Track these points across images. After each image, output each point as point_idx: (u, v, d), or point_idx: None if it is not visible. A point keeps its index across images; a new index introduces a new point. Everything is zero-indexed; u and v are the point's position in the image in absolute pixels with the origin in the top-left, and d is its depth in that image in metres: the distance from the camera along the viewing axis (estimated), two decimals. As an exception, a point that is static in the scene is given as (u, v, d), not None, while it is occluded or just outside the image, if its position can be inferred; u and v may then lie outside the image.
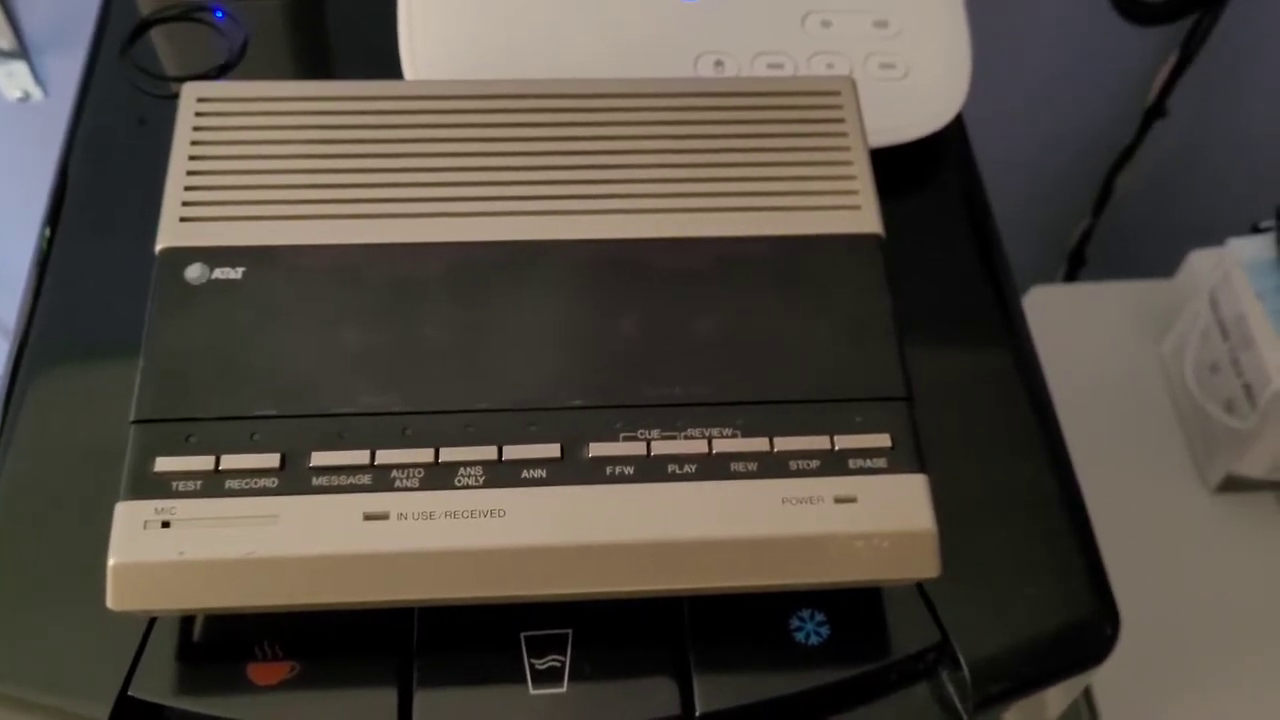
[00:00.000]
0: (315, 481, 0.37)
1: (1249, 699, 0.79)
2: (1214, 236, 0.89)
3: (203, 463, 0.37)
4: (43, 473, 0.43)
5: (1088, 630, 0.43)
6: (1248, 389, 0.79)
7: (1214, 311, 0.83)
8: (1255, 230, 0.82)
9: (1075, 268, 1.17)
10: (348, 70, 0.57)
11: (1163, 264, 0.99)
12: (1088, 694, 0.78)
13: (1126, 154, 1.04)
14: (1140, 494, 0.86)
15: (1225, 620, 0.81)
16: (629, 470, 0.38)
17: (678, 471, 0.38)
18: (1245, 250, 0.81)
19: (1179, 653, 0.80)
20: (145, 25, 0.56)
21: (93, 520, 0.38)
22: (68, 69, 0.84)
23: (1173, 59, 0.96)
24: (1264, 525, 0.84)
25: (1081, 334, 0.94)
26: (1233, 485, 0.84)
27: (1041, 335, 0.52)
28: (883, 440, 0.39)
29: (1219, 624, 0.81)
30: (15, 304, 0.49)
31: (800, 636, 0.41)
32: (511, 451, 0.37)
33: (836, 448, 0.38)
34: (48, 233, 0.50)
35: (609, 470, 0.37)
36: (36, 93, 0.86)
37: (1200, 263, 0.90)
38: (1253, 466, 0.82)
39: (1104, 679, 0.79)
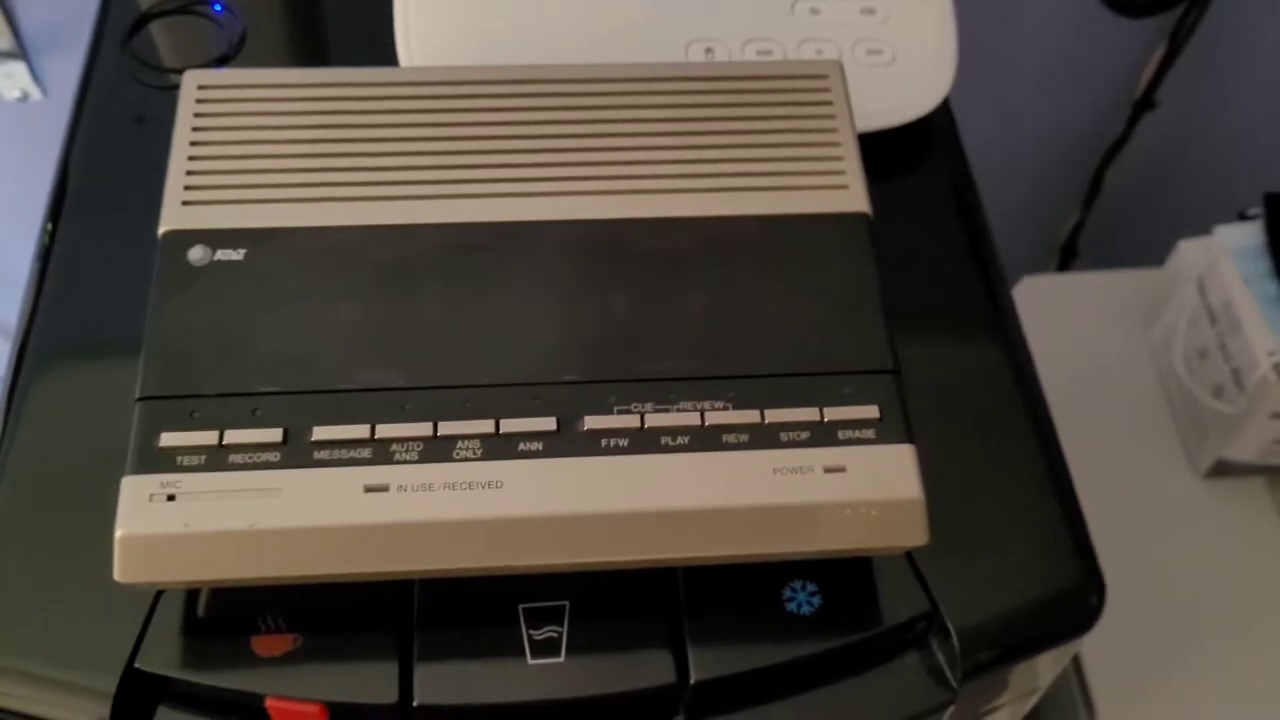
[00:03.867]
0: (317, 455, 0.37)
1: (1238, 682, 0.79)
2: (1203, 228, 0.90)
3: (207, 438, 0.37)
4: (48, 458, 0.44)
5: (1074, 599, 0.44)
6: (1236, 374, 0.80)
7: (1202, 298, 0.84)
8: (1243, 217, 0.83)
9: (1066, 260, 1.17)
10: (344, 61, 0.58)
11: (1153, 255, 1.00)
12: (1080, 674, 0.79)
13: (1116, 146, 1.05)
14: (1130, 480, 0.87)
15: (1215, 604, 0.82)
16: (623, 442, 0.38)
17: (671, 443, 0.38)
18: (1233, 237, 0.82)
19: (1170, 636, 0.80)
20: (145, 19, 0.57)
21: (98, 501, 0.39)
22: (66, 69, 0.85)
23: (1161, 51, 0.97)
24: (1253, 510, 0.85)
25: (1071, 323, 0.94)
26: (1222, 470, 0.85)
27: (1032, 324, 0.52)
28: (871, 412, 0.39)
29: (1209, 608, 0.82)
30: (14, 302, 0.50)
31: (793, 607, 0.42)
32: (508, 425, 0.38)
33: (826, 419, 0.39)
34: (49, 227, 0.51)
35: (603, 442, 0.38)
36: (35, 93, 0.87)
37: (1190, 252, 0.91)
38: (1242, 451, 0.83)
39: (1094, 660, 0.80)
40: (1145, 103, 1.01)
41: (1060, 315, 0.94)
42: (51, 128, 0.56)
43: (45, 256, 0.50)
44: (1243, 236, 0.82)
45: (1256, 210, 0.83)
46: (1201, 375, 0.85)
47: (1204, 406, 0.84)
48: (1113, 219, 1.13)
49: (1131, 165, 1.08)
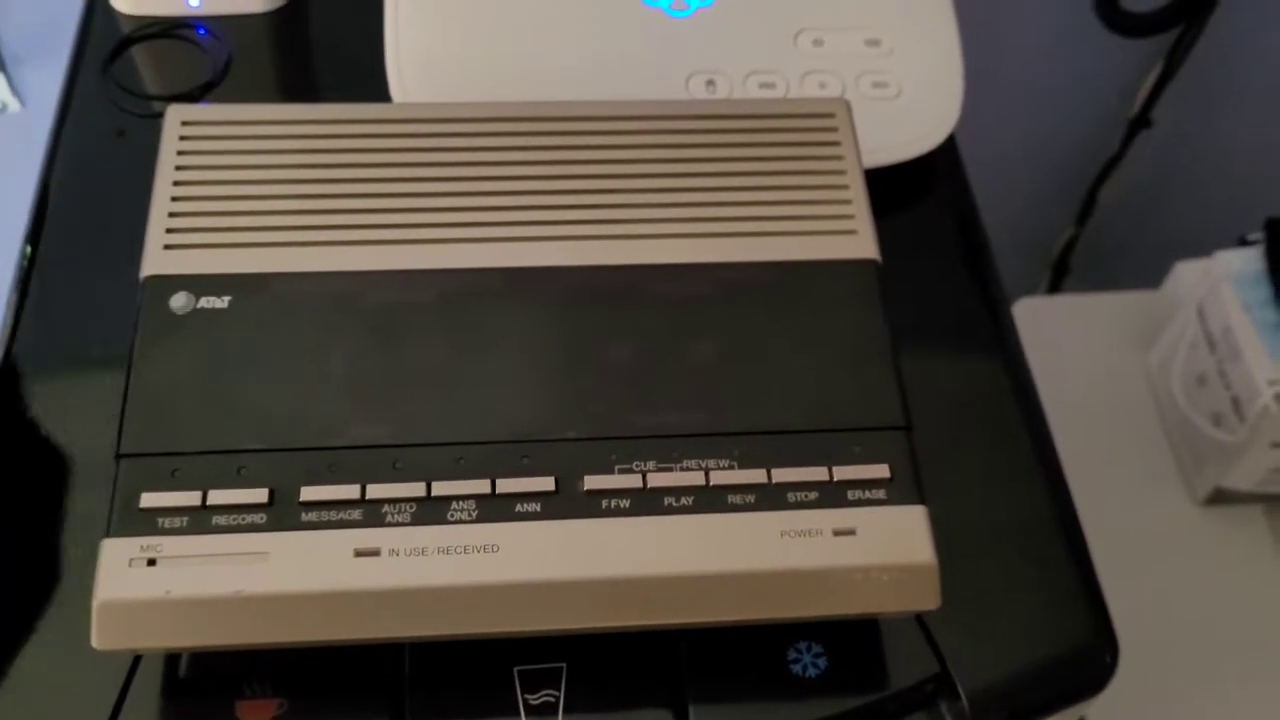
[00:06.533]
0: (305, 517, 0.36)
1: (1236, 713, 0.79)
2: (1197, 247, 0.89)
3: (189, 498, 0.36)
4: (23, 499, 0.42)
5: (1087, 658, 0.43)
6: (1235, 402, 0.79)
7: (1202, 324, 0.83)
8: (1243, 243, 0.82)
9: (1059, 277, 1.17)
10: (333, 90, 0.56)
11: (1146, 274, 0.99)
12: (1078, 710, 0.78)
13: (1111, 164, 1.04)
14: (1128, 506, 0.86)
15: (1213, 633, 0.81)
16: (624, 503, 0.37)
17: (674, 504, 0.37)
18: (1233, 262, 0.81)
19: (1167, 666, 0.79)
20: (127, 42, 0.55)
21: (74, 551, 0.38)
22: (45, 80, 0.83)
23: (1157, 70, 0.96)
24: (1252, 538, 0.85)
25: (1068, 346, 0.93)
26: (1220, 498, 0.84)
27: (1028, 347, 0.51)
28: (882, 471, 0.38)
29: (1207, 637, 0.81)
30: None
31: (798, 669, 0.40)
32: (505, 485, 0.37)
33: (835, 479, 0.38)
34: (28, 250, 0.49)
35: (604, 503, 0.37)
36: (13, 104, 0.85)
37: (1187, 274, 0.91)
38: (1241, 480, 0.82)
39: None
40: (1141, 121, 1.01)
41: (1057, 337, 0.93)
42: (30, 140, 0.55)
43: (24, 281, 0.48)
44: (1243, 261, 0.81)
45: (1256, 235, 0.82)
46: (1200, 402, 0.84)
47: (1202, 434, 0.83)
48: (1106, 237, 1.13)
49: (1126, 183, 1.07)
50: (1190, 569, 0.84)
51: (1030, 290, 1.16)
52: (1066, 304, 1.00)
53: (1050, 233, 1.14)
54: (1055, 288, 1.18)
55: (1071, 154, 1.06)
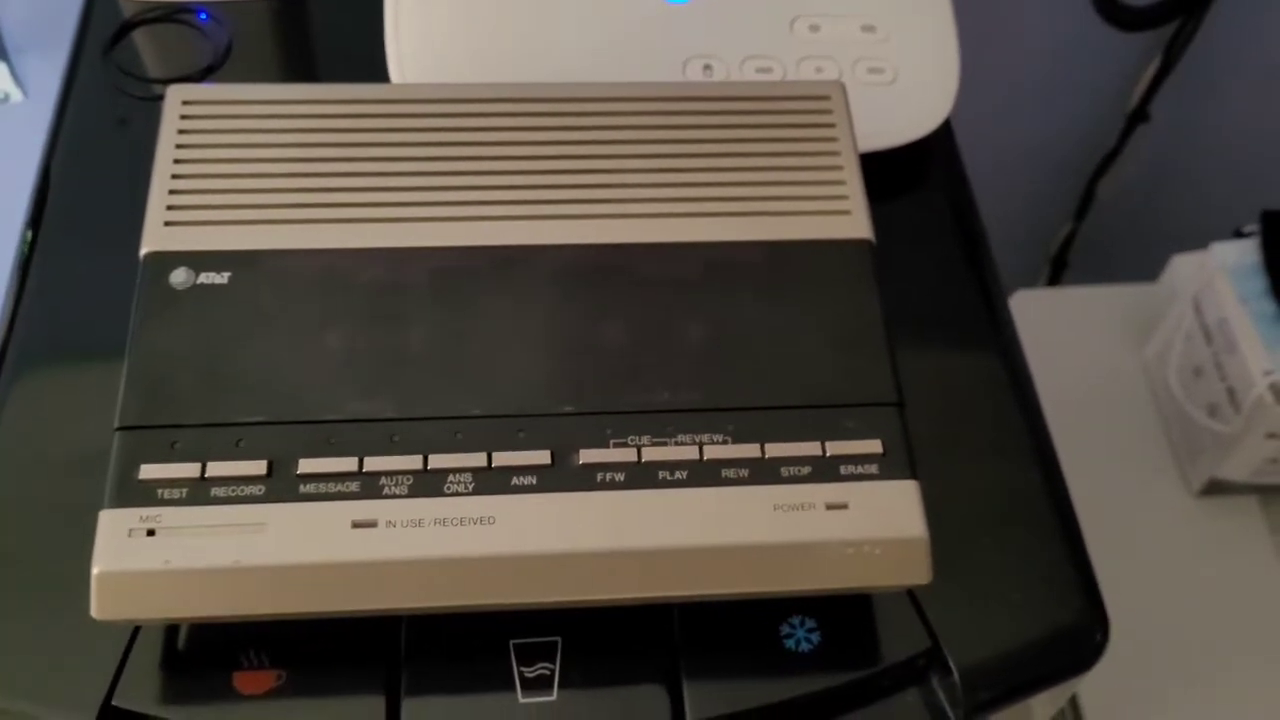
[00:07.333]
0: (303, 489, 0.36)
1: (1232, 702, 0.79)
2: (1195, 241, 0.89)
3: (188, 470, 0.36)
4: (25, 480, 0.43)
5: (1078, 635, 0.43)
6: (1231, 393, 0.79)
7: (1197, 316, 0.83)
8: (1239, 235, 0.83)
9: (1057, 272, 1.17)
10: (333, 73, 0.57)
11: (1144, 268, 0.99)
12: (1072, 696, 0.78)
13: (1109, 158, 1.04)
14: (1123, 497, 0.86)
15: (1208, 624, 0.81)
16: (619, 477, 0.37)
17: (668, 478, 0.37)
18: (1229, 255, 0.82)
19: (1163, 655, 0.80)
20: (128, 26, 0.55)
21: (76, 527, 0.38)
22: (47, 70, 0.83)
23: (1155, 64, 0.96)
24: (1247, 529, 0.85)
25: (1065, 338, 0.94)
26: (1216, 489, 0.85)
27: (1025, 339, 0.52)
28: (874, 446, 0.38)
29: (1202, 627, 0.81)
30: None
31: (790, 644, 0.41)
32: (501, 458, 0.37)
33: (828, 454, 0.38)
34: (29, 236, 0.50)
35: (599, 477, 0.37)
36: (16, 94, 0.85)
37: (1183, 267, 0.91)
38: (1236, 470, 0.82)
39: (1087, 681, 0.79)
40: (1139, 115, 1.01)
41: (1054, 330, 0.94)
42: (32, 129, 0.55)
43: (24, 267, 0.49)
44: (1239, 253, 0.82)
45: (1252, 227, 0.82)
46: (1196, 393, 0.84)
47: (1198, 425, 0.84)
48: (1104, 231, 1.13)
49: (1123, 178, 1.07)
50: (1186, 559, 0.84)
51: (1029, 285, 1.16)
52: (1063, 297, 1.01)
53: (1049, 228, 1.15)
54: (1054, 283, 1.18)
55: (1069, 149, 1.07)
